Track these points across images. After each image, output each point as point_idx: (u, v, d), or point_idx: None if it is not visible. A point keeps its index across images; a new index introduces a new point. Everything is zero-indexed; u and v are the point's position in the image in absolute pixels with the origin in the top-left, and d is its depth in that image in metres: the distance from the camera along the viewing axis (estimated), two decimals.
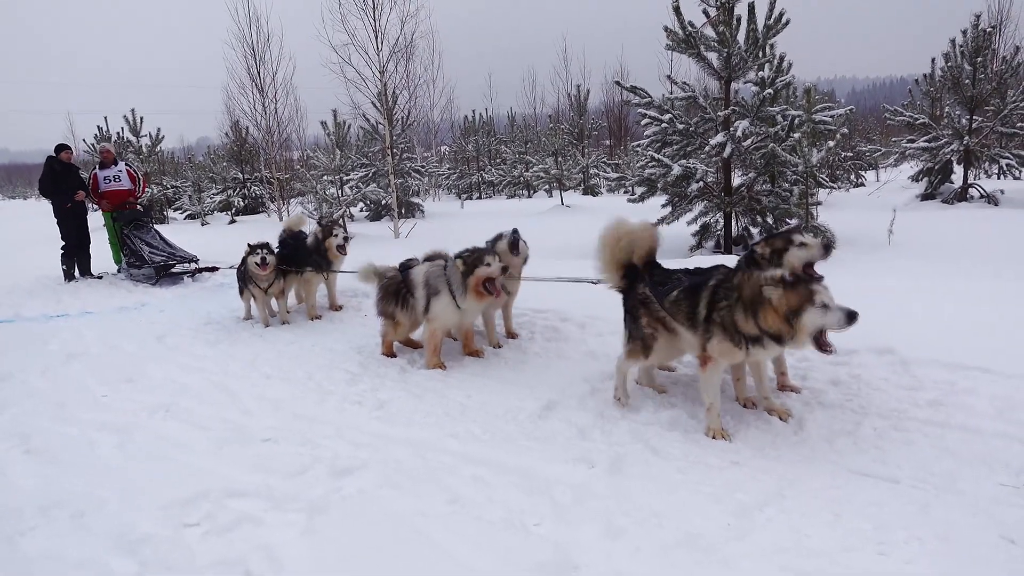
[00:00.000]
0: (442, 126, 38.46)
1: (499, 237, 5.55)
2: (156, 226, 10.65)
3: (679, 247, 10.04)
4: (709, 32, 9.22)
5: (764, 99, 8.89)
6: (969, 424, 3.56)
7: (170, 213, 25.17)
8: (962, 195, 13.92)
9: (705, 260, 8.45)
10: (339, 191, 17.13)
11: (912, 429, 3.57)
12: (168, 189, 24.96)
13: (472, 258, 4.92)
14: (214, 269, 9.68)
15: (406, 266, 5.48)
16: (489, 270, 4.87)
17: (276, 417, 4.34)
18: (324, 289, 7.46)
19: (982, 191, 13.69)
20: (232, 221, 21.93)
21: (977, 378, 4.03)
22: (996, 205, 13.10)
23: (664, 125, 9.30)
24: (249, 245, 6.81)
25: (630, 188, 9.63)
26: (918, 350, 4.44)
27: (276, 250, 6.95)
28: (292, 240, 7.29)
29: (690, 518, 2.86)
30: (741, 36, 9.12)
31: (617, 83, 10.65)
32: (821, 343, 3.25)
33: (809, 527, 2.75)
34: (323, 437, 3.94)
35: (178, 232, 14.86)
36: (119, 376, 5.33)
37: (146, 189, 10.88)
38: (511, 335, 5.80)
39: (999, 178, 14.72)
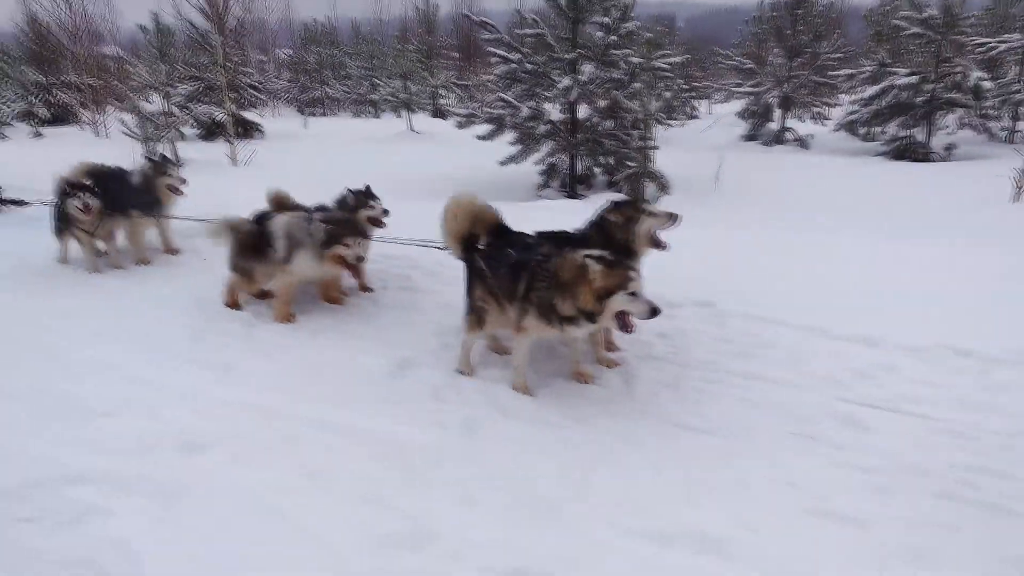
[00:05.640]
0: (280, 34, 35.85)
1: (348, 199, 5.53)
2: None
3: (527, 186, 10.32)
4: None
5: (609, 44, 9.16)
6: (768, 375, 4.11)
7: None
8: (779, 138, 15.30)
9: (553, 204, 8.84)
10: (165, 106, 15.66)
11: (723, 381, 4.07)
12: None
13: (334, 232, 4.79)
14: (21, 203, 8.61)
15: (262, 217, 5.24)
16: (347, 251, 4.78)
17: (111, 384, 4.07)
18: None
19: (796, 135, 15.11)
20: (37, 134, 19.40)
21: (776, 330, 4.65)
22: (807, 148, 14.57)
23: (514, 65, 9.35)
24: (67, 184, 6.14)
25: (479, 123, 9.66)
26: (732, 303, 5.00)
27: (96, 188, 6.32)
28: (111, 178, 6.61)
29: (535, 478, 3.14)
30: None
31: (467, 16, 10.48)
32: (624, 323, 3.48)
33: (636, 481, 3.13)
34: (167, 407, 3.78)
35: None
36: None
37: None
38: (364, 289, 5.76)
39: (814, 123, 16.27)
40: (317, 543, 2.70)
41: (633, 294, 3.40)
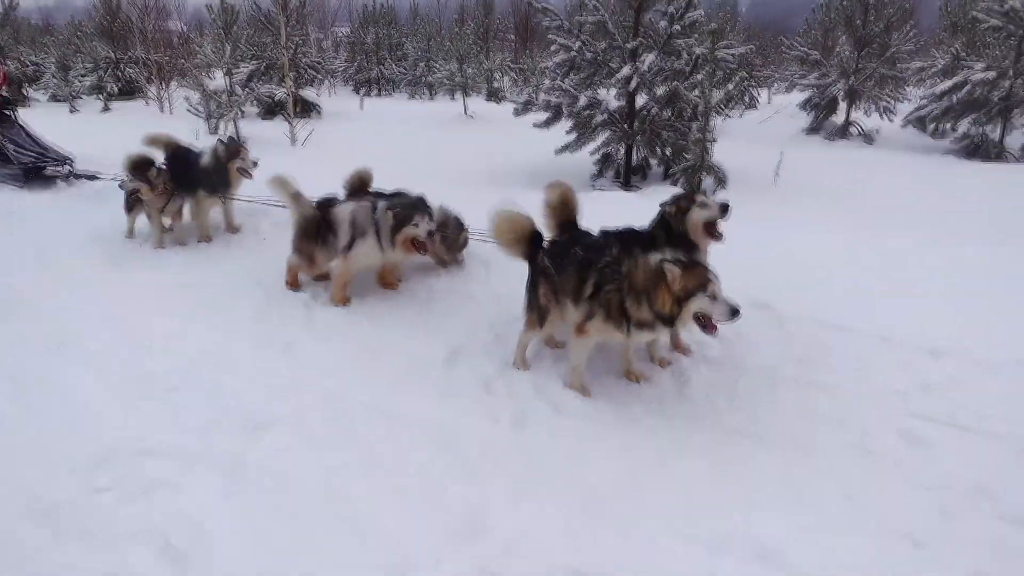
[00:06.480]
0: (340, 12, 36.23)
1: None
2: (21, 118, 9.57)
3: (581, 175, 10.24)
4: None
5: (672, 34, 8.98)
6: (828, 383, 4.00)
7: (31, 93, 22.66)
8: (843, 132, 14.83)
9: (607, 195, 8.77)
10: (228, 85, 15.97)
11: (781, 387, 3.99)
12: (27, 66, 22.34)
13: (402, 215, 4.84)
14: (93, 177, 8.93)
15: (327, 203, 5.34)
16: (416, 231, 4.82)
17: (180, 358, 4.26)
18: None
19: (860, 129, 14.62)
20: (106, 108, 20.04)
21: (838, 336, 4.52)
22: (871, 144, 14.10)
23: (573, 53, 9.25)
24: (130, 164, 6.34)
25: (536, 111, 9.59)
26: (791, 306, 4.87)
27: (163, 167, 6.52)
28: (181, 157, 6.79)
29: (589, 477, 3.16)
30: None
31: (530, 3, 10.41)
32: (705, 323, 3.42)
33: (692, 487, 3.11)
34: (230, 384, 3.92)
35: (45, 120, 13.48)
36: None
37: (6, 82, 9.71)
38: (442, 264, 5.87)
39: (881, 117, 15.67)
40: (378, 530, 2.77)
41: (712, 296, 3.34)
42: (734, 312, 3.32)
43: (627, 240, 3.93)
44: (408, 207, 4.90)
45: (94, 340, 4.49)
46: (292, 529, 2.76)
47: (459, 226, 5.80)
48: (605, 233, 4.13)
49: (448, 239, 5.72)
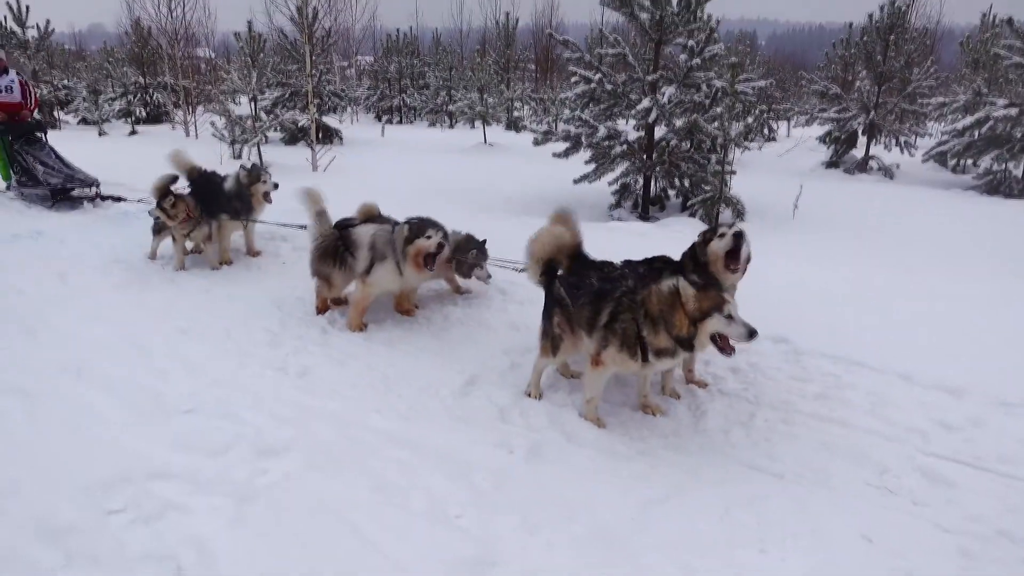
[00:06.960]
0: (364, 42, 36.93)
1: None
2: (50, 140, 9.81)
3: (599, 205, 10.29)
4: None
5: (692, 67, 9.06)
6: (847, 419, 3.95)
7: (62, 116, 23.22)
8: (863, 166, 14.79)
9: (625, 226, 8.78)
10: (253, 110, 16.29)
11: (798, 422, 3.94)
12: (60, 90, 22.92)
13: (416, 227, 4.93)
14: (119, 199, 9.11)
15: (344, 225, 5.40)
16: (427, 243, 4.89)
17: (194, 382, 4.28)
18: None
19: (880, 164, 14.57)
20: (133, 132, 20.47)
21: (857, 372, 4.47)
22: (891, 178, 14.04)
23: (593, 85, 9.35)
24: (157, 189, 6.46)
25: (556, 141, 9.65)
26: (809, 341, 4.84)
27: (187, 190, 6.64)
28: (204, 181, 6.92)
29: (600, 510, 3.11)
30: None
31: (551, 35, 10.57)
32: (723, 345, 3.41)
33: (702, 521, 3.06)
34: (245, 408, 3.93)
35: (73, 142, 13.82)
36: (19, 326, 5.06)
37: (37, 106, 9.98)
38: (458, 292, 5.99)
39: (902, 152, 15.60)
40: (386, 560, 2.75)
41: (729, 316, 3.33)
42: (751, 333, 3.30)
43: (660, 267, 3.95)
44: (422, 221, 5.03)
45: (110, 361, 4.53)
46: (300, 555, 2.74)
47: (469, 243, 5.77)
48: (629, 261, 4.15)
49: (460, 261, 5.71)
